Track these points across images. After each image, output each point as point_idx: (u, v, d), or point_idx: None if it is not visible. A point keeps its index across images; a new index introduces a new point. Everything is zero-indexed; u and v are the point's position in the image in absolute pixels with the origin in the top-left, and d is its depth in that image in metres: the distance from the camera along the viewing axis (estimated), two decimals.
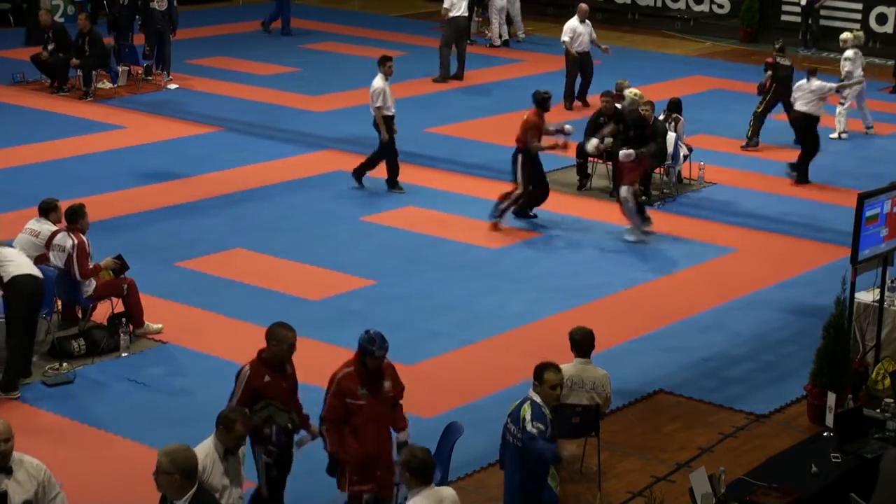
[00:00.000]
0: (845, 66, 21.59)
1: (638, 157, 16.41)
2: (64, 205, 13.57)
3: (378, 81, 17.65)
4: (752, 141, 20.77)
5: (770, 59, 21.05)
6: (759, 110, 20.86)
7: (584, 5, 23.61)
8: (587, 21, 23.46)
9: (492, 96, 23.93)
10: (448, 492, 8.18)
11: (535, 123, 16.67)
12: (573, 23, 23.41)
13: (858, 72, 21.69)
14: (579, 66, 23.20)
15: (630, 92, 16.92)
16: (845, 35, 22.33)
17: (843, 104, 21.66)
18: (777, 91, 20.71)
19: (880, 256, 12.04)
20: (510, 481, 9.25)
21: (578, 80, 23.30)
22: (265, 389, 9.46)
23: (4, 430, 7.78)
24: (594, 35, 23.53)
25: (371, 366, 9.42)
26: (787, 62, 21.05)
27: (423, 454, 8.11)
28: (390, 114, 17.72)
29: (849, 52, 21.69)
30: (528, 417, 8.97)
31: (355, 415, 9.44)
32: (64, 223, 13.31)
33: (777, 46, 21.67)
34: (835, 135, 21.52)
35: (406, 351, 13.15)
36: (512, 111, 22.40)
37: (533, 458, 9.03)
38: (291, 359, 9.68)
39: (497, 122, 21.79)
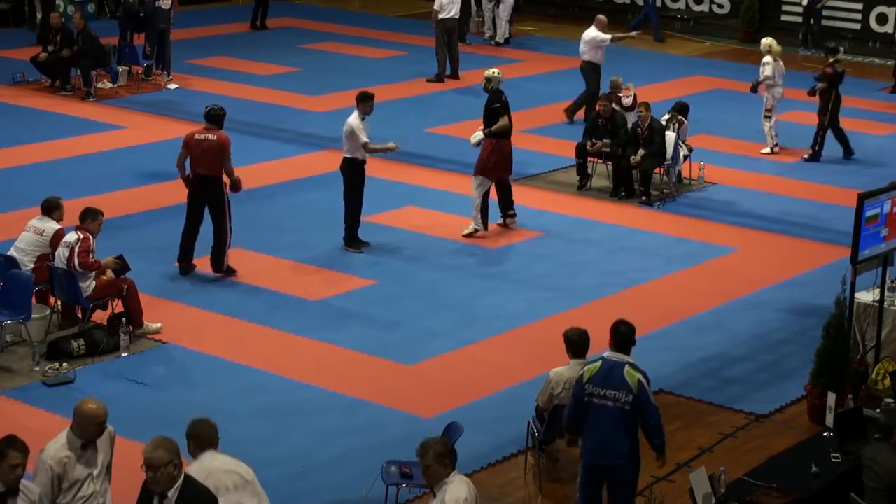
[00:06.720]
0: (765, 71, 20.11)
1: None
2: (66, 204, 13.59)
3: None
4: (819, 152, 19.99)
5: (829, 70, 19.64)
6: (824, 120, 19.68)
7: (602, 16, 22.17)
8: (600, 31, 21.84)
9: None
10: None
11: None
12: (591, 33, 21.82)
13: (780, 83, 20.25)
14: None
15: (492, 72, 16.97)
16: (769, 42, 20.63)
17: (769, 118, 20.23)
18: (837, 97, 19.66)
19: (880, 256, 12.04)
20: (612, 443, 9.25)
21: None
22: None
23: (102, 413, 8.12)
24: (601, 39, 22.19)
25: None
26: (842, 69, 19.94)
27: (447, 439, 8.71)
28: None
29: (767, 59, 20.17)
30: (646, 386, 9.22)
31: None
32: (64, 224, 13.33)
33: (832, 46, 20.71)
34: (766, 150, 20.28)
35: (406, 351, 13.19)
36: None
37: (654, 424, 9.27)
38: None
39: None
